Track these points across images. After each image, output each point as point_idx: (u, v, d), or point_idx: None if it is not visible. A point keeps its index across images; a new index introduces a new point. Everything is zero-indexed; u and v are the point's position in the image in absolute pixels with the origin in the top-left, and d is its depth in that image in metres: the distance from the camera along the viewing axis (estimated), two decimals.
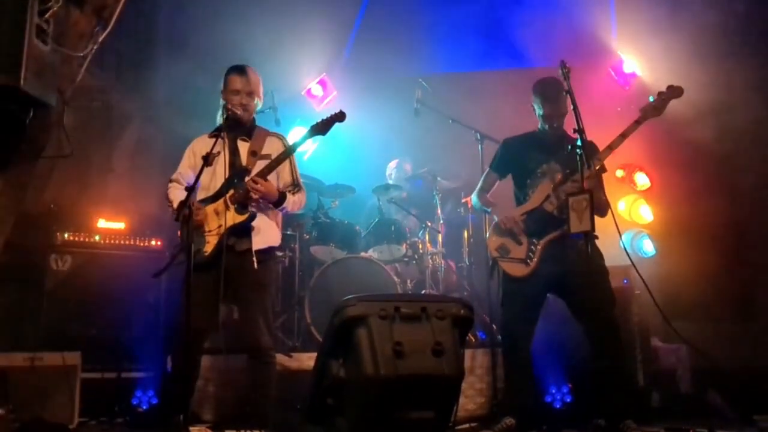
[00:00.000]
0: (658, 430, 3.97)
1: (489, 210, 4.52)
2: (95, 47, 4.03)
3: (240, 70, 4.03)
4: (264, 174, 3.85)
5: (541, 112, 4.34)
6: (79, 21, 3.89)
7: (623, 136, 4.05)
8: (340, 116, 3.90)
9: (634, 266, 4.03)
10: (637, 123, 4.05)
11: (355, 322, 2.72)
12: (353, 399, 2.74)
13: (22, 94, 3.27)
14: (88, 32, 3.99)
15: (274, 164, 3.88)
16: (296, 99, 7.26)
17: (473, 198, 4.61)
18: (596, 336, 4.03)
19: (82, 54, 3.96)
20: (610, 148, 4.05)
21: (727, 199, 6.08)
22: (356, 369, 2.69)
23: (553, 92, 4.23)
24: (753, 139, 5.75)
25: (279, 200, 3.94)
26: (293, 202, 4.03)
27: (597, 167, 3.98)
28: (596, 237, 3.65)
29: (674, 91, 4.10)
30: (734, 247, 6.01)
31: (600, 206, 4.03)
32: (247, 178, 3.84)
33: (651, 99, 4.13)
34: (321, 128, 3.90)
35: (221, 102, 4.04)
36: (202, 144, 4.01)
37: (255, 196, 3.82)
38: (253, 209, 3.86)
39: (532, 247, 4.18)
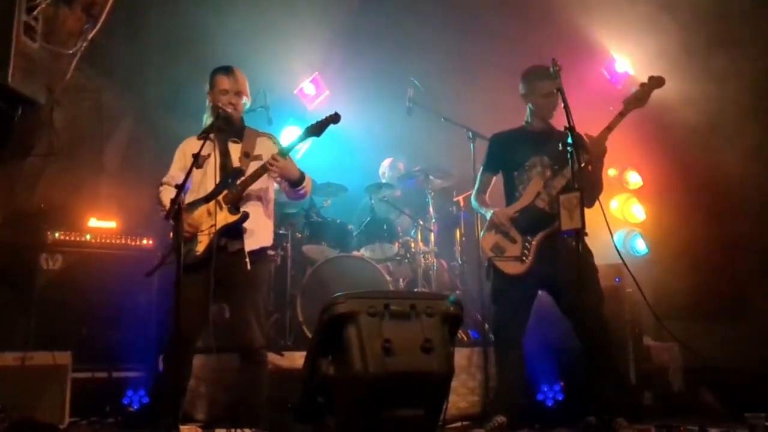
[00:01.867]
0: (649, 427, 3.97)
1: (486, 213, 4.47)
2: (85, 45, 4.02)
3: (227, 69, 4.03)
4: (259, 174, 3.84)
5: (531, 100, 4.34)
6: (68, 18, 3.88)
7: (609, 129, 4.05)
8: (334, 118, 3.89)
9: (625, 265, 4.04)
10: (621, 115, 4.04)
11: (344, 319, 2.71)
12: (342, 397, 2.73)
13: (10, 92, 3.27)
14: (78, 30, 3.98)
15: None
16: (288, 98, 7.25)
17: (472, 201, 4.59)
18: (586, 334, 4.04)
19: (71, 51, 3.96)
20: None
21: (719, 197, 6.08)
22: (345, 366, 2.68)
23: (543, 78, 4.21)
24: (746, 138, 5.75)
25: (300, 178, 3.93)
26: (309, 183, 4.05)
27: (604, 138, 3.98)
28: (586, 234, 3.65)
29: (656, 81, 4.08)
30: (726, 246, 6.01)
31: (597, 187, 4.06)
32: (240, 180, 3.83)
33: (634, 91, 4.12)
34: (315, 130, 3.89)
35: (207, 104, 4.04)
36: (192, 145, 3.99)
37: (274, 175, 3.80)
38: (246, 210, 3.85)
39: (527, 244, 4.17)
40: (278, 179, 3.98)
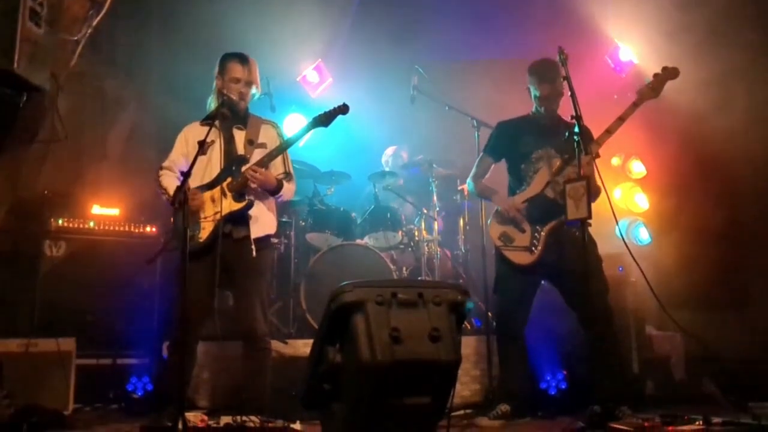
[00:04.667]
0: (652, 416, 3.98)
1: (489, 197, 4.48)
2: (89, 31, 4.00)
3: (242, 58, 3.99)
4: (264, 163, 3.84)
5: (537, 94, 4.31)
6: (72, 4, 3.87)
7: (621, 119, 4.03)
8: (343, 109, 3.87)
9: (631, 254, 4.03)
10: (635, 105, 4.03)
11: (351, 307, 2.70)
12: (350, 384, 2.73)
13: (16, 78, 3.25)
14: (82, 16, 3.97)
15: (275, 153, 3.86)
16: (291, 85, 7.22)
17: (468, 183, 4.58)
18: (591, 324, 4.05)
19: (76, 38, 3.94)
20: (609, 131, 4.02)
21: (722, 187, 6.08)
22: (353, 355, 2.67)
23: (550, 73, 4.21)
24: (750, 128, 5.74)
25: (277, 188, 3.93)
26: (288, 190, 4.03)
27: (595, 152, 3.96)
28: (590, 224, 3.65)
29: (670, 72, 4.07)
30: (729, 236, 6.01)
31: (593, 191, 4.02)
32: (245, 167, 3.82)
33: (647, 81, 4.11)
34: (323, 120, 3.88)
35: (214, 87, 4.01)
36: (195, 131, 3.98)
37: (254, 185, 3.81)
38: (251, 197, 3.85)
39: (536, 234, 4.17)
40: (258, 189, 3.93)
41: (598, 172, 3.99)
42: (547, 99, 4.28)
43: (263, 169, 3.81)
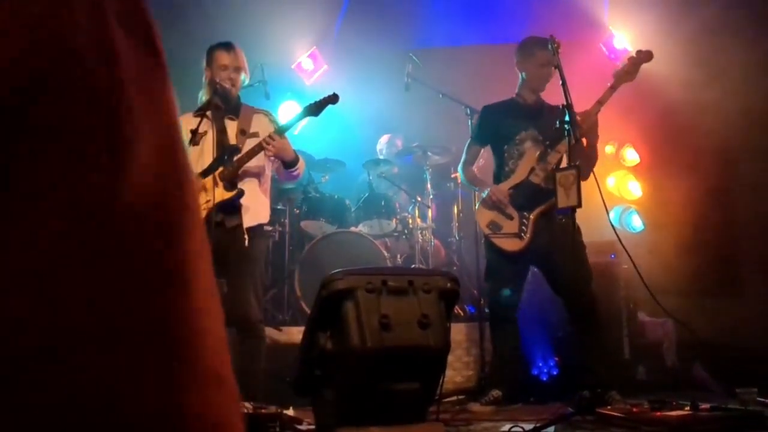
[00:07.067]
0: (641, 401, 4.02)
1: (477, 188, 4.52)
2: None
3: (227, 45, 4.01)
4: (255, 152, 3.85)
5: (525, 68, 4.34)
6: None
7: (600, 102, 4.06)
8: (333, 98, 3.90)
9: (621, 241, 4.06)
10: (612, 89, 4.05)
11: (342, 295, 2.74)
12: (340, 370, 2.77)
13: None
14: None
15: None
16: (286, 73, 7.21)
17: (459, 172, 4.61)
18: (575, 310, 4.10)
19: None
20: (589, 114, 4.06)
21: (715, 175, 6.10)
22: (343, 341, 2.71)
23: (539, 51, 4.22)
24: (743, 115, 5.76)
25: (295, 159, 3.95)
26: (302, 165, 4.07)
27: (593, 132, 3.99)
28: (574, 211, 3.68)
29: (644, 55, 4.10)
30: (721, 223, 6.04)
31: (593, 157, 4.06)
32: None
33: (623, 65, 4.14)
34: (314, 110, 3.91)
35: (204, 80, 4.03)
36: (188, 123, 3.99)
37: (269, 154, 3.82)
38: (242, 187, 3.87)
39: (524, 220, 4.19)
40: (272, 159, 3.98)
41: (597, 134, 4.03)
42: (535, 75, 4.30)
43: (279, 137, 3.82)
